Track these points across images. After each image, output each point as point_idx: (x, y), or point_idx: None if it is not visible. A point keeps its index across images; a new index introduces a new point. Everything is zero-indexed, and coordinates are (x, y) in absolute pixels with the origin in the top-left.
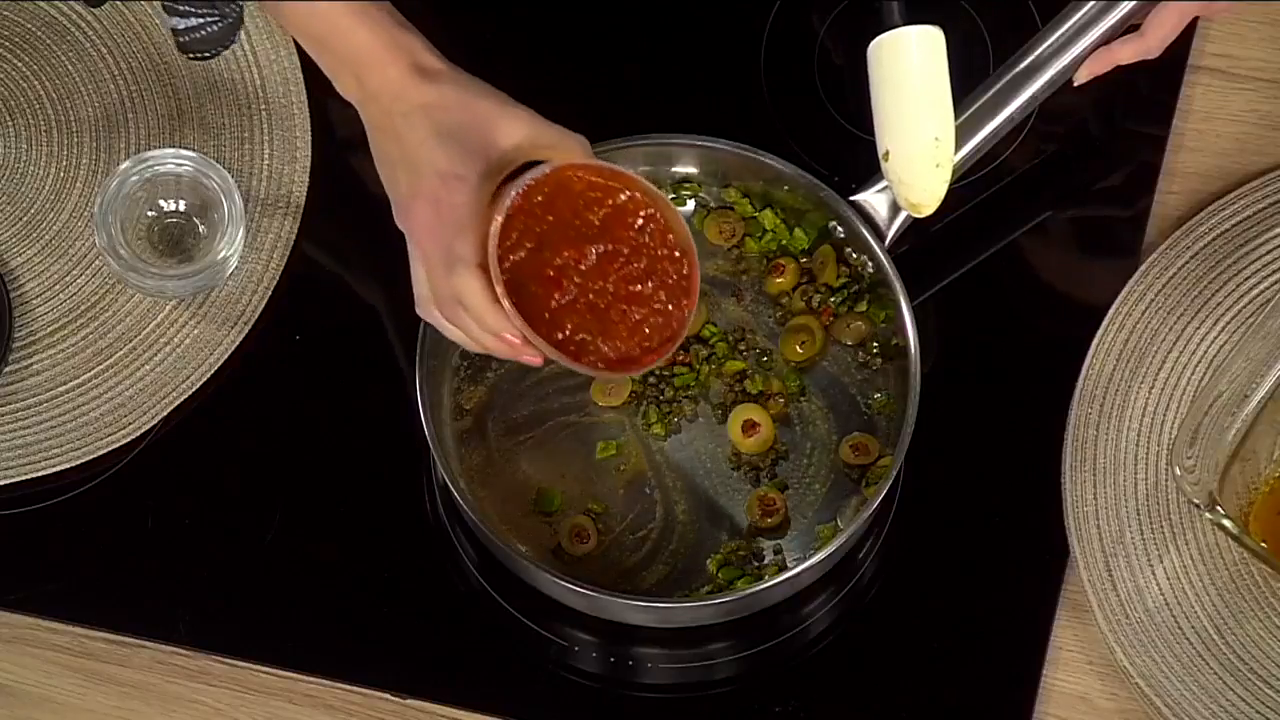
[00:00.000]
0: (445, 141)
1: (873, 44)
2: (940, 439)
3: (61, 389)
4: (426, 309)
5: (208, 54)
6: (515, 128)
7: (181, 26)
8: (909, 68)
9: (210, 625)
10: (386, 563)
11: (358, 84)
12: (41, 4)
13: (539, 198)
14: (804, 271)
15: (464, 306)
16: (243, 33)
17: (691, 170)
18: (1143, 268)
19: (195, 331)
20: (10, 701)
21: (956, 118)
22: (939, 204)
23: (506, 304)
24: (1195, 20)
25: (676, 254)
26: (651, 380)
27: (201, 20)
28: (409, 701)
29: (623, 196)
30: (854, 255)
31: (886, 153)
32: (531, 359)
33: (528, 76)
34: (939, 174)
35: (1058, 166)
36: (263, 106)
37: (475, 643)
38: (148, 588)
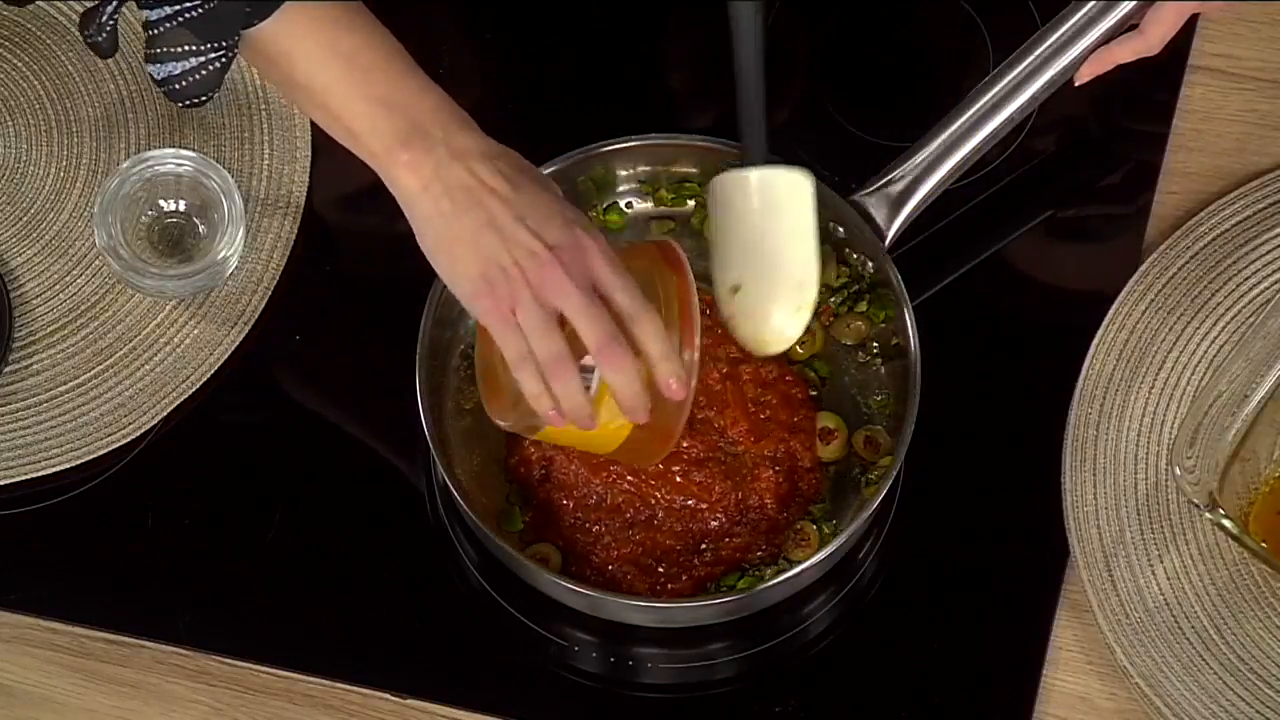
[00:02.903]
0: (557, 194)
1: (727, 178)
2: (940, 439)
3: (61, 389)
4: (531, 372)
5: (203, 98)
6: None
7: (178, 70)
8: (775, 207)
9: (210, 625)
10: (386, 563)
11: (444, 141)
12: (41, 4)
13: None
14: None
15: (641, 336)
16: None
17: (691, 170)
18: (1143, 268)
19: (195, 331)
20: (10, 701)
21: (955, 120)
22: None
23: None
24: (1195, 19)
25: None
26: None
27: (200, 60)
28: (409, 701)
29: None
30: (854, 255)
31: (736, 286)
32: (642, 417)
33: (528, 76)
34: (798, 317)
35: (1058, 166)
36: (263, 106)
37: (475, 643)
38: (148, 588)
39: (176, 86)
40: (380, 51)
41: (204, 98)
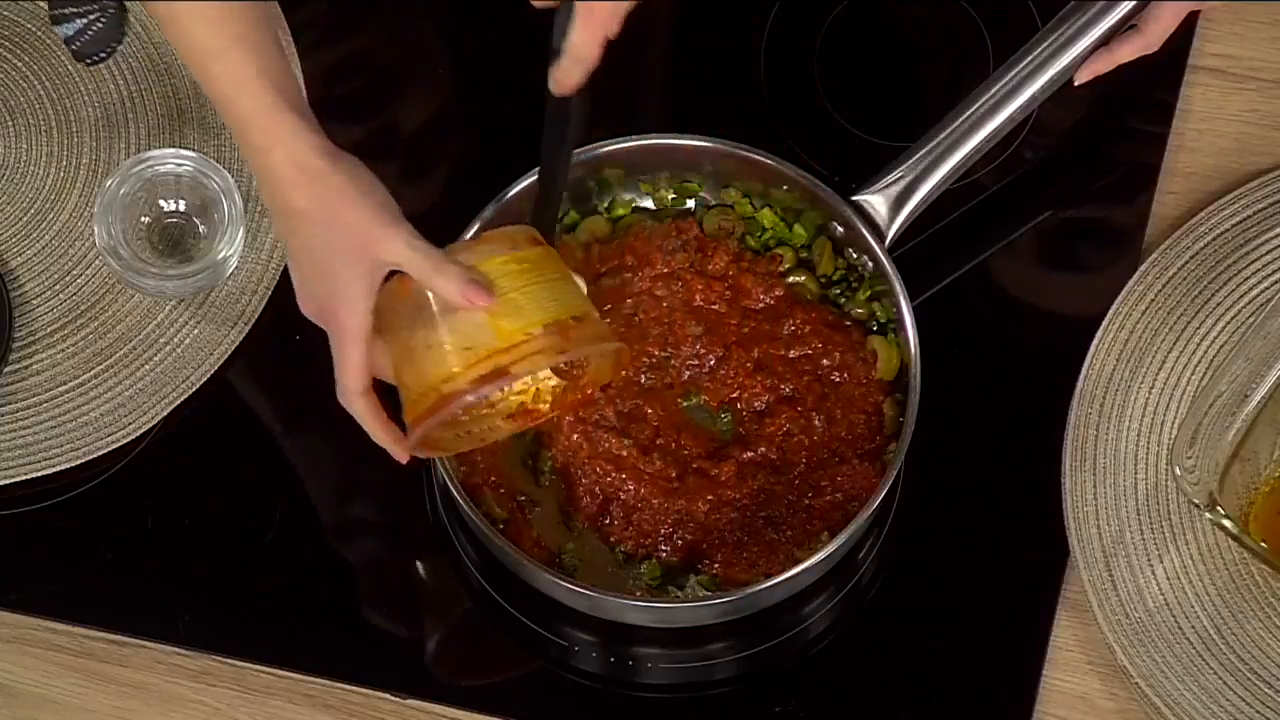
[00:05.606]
0: (320, 262)
1: None
2: (940, 439)
3: (61, 389)
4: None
5: (102, 54)
6: (392, 248)
7: (72, 32)
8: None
9: (210, 625)
10: (386, 564)
11: (252, 154)
12: (41, 4)
13: None
14: (801, 263)
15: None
16: None
17: (692, 170)
18: (1143, 268)
19: (195, 331)
20: (10, 701)
21: (955, 120)
22: None
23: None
24: (1195, 19)
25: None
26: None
27: (85, 21)
28: (409, 701)
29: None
30: (854, 255)
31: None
32: (400, 456)
33: (529, 77)
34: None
35: (1058, 166)
36: None
37: (475, 643)
38: (148, 588)
39: (74, 46)
40: (222, 50)
41: (103, 54)
